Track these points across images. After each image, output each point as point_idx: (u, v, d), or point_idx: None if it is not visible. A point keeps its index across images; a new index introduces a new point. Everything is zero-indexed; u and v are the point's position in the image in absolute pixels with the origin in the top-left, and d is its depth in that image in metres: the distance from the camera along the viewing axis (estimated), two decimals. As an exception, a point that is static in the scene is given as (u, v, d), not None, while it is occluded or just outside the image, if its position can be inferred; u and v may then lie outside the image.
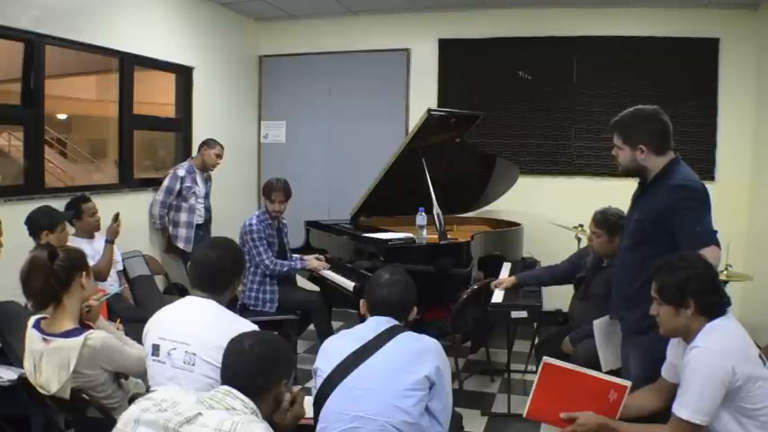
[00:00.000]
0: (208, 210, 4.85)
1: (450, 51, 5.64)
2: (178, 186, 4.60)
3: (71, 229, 3.53)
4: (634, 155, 2.29)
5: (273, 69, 6.13)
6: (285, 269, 3.96)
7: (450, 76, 5.65)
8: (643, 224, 2.29)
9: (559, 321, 3.82)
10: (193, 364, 1.90)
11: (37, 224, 3.21)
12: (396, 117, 5.74)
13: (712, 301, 1.90)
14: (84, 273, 2.16)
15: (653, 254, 2.14)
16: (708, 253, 2.05)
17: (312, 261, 4.06)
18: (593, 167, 5.34)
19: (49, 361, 2.04)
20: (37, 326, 2.12)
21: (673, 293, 1.91)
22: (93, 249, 3.58)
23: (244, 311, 3.78)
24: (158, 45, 4.76)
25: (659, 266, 1.95)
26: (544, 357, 2.08)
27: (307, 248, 4.52)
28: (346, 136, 5.92)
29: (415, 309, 2.08)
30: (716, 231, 2.18)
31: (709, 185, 2.25)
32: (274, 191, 3.93)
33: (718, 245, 2.14)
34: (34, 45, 3.70)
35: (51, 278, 2.07)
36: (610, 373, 2.38)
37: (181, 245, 4.64)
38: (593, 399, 2.00)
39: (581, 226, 4.39)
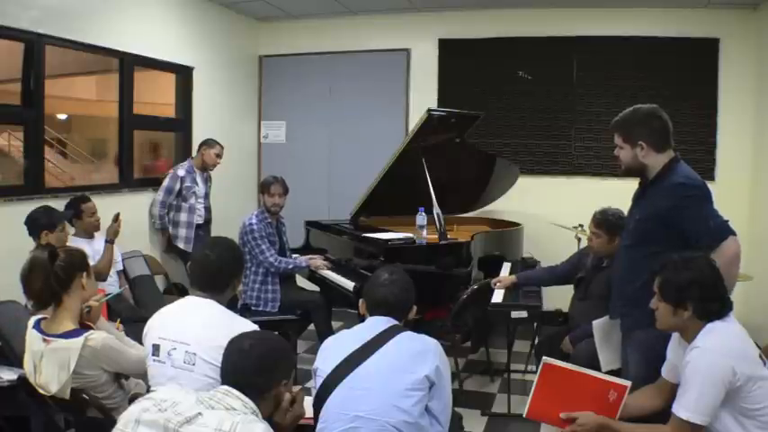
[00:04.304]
0: (208, 210, 4.85)
1: (450, 51, 5.64)
2: (178, 186, 4.60)
3: (71, 229, 3.53)
4: (635, 152, 2.30)
5: (273, 69, 6.13)
6: (290, 267, 3.96)
7: (450, 76, 5.65)
8: (645, 223, 2.29)
9: (559, 321, 3.82)
10: (193, 364, 1.90)
11: (37, 224, 3.21)
12: (396, 117, 5.74)
13: (711, 308, 1.89)
14: (84, 273, 2.16)
15: (654, 252, 2.15)
16: (729, 243, 2.09)
17: (316, 260, 4.06)
18: (593, 167, 5.35)
19: (49, 361, 2.04)
20: (37, 326, 2.12)
21: (673, 294, 1.91)
22: (92, 249, 3.57)
23: (245, 312, 3.78)
24: (158, 45, 4.76)
25: (666, 263, 1.95)
26: (544, 357, 2.08)
27: (307, 248, 4.52)
28: (346, 136, 5.92)
29: (415, 308, 2.08)
30: (727, 220, 2.18)
31: (709, 185, 2.25)
32: (273, 184, 3.94)
33: (734, 233, 2.15)
34: (34, 45, 3.70)
35: (51, 278, 2.07)
36: (610, 372, 2.38)
37: (181, 245, 4.65)
38: (593, 399, 2.01)
39: (581, 226, 4.39)
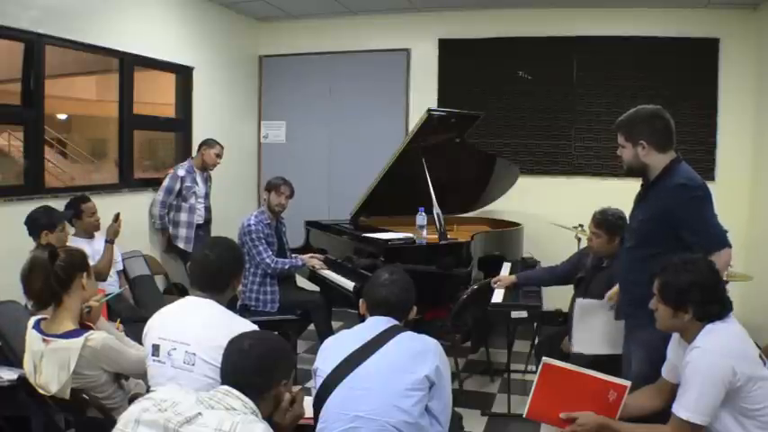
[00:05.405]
0: (208, 210, 4.85)
1: (450, 51, 5.64)
2: (178, 186, 4.60)
3: (71, 229, 3.53)
4: (636, 151, 2.31)
5: (273, 69, 6.13)
6: (287, 267, 3.95)
7: (450, 76, 5.65)
8: (647, 224, 2.30)
9: (559, 321, 3.82)
10: (193, 364, 1.90)
11: (37, 224, 3.21)
12: (396, 117, 5.74)
13: (711, 310, 1.90)
14: (84, 273, 2.16)
15: (657, 253, 2.16)
16: (723, 254, 2.13)
17: (312, 259, 4.06)
18: (593, 167, 5.35)
19: (49, 361, 2.04)
20: (37, 326, 2.12)
21: (673, 296, 1.91)
22: (92, 249, 3.57)
23: (244, 312, 3.78)
24: (158, 45, 4.76)
25: (666, 265, 1.95)
26: (544, 357, 2.08)
27: (306, 248, 4.52)
28: (346, 136, 5.93)
29: (415, 309, 2.08)
30: (726, 231, 2.21)
31: (709, 185, 2.25)
32: (283, 185, 3.96)
33: (730, 246, 2.17)
34: (34, 45, 3.70)
35: (51, 278, 2.07)
36: (582, 357, 2.37)
37: (181, 245, 4.65)
38: (593, 399, 2.01)
39: (581, 226, 4.39)
